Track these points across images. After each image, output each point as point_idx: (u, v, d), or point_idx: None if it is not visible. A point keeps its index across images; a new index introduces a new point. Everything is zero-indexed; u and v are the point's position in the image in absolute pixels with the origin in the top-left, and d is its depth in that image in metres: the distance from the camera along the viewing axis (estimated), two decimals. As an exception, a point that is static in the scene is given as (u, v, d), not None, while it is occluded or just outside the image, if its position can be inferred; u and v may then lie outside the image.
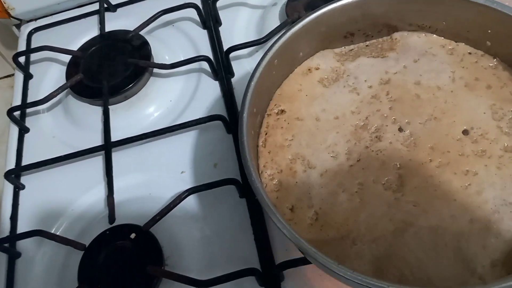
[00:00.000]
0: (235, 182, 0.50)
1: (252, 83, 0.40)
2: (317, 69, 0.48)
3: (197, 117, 0.56)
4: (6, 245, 0.52)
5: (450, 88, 0.44)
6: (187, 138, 0.57)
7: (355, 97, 0.45)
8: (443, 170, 0.40)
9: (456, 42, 0.46)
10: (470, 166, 0.39)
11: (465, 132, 0.41)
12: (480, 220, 0.37)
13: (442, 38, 0.47)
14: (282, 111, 0.45)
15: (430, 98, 0.44)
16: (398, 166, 0.41)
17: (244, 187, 0.50)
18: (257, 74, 0.41)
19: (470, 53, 0.46)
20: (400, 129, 0.42)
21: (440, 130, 0.42)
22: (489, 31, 0.43)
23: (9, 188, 0.57)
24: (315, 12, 0.44)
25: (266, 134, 0.45)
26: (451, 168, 0.39)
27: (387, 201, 0.39)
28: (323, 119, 0.44)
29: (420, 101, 0.44)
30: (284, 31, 0.44)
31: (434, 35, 0.47)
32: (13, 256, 0.52)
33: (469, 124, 0.42)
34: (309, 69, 0.48)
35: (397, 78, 0.46)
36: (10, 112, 0.61)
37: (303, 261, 0.43)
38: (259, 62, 0.41)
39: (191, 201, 0.51)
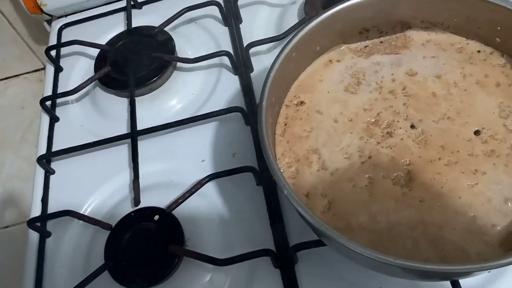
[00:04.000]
0: (252, 170, 0.52)
1: (272, 73, 0.43)
2: (338, 61, 0.50)
3: (217, 109, 0.59)
4: (37, 224, 0.55)
5: (463, 86, 0.45)
6: (208, 129, 0.60)
7: (370, 95, 0.47)
8: (451, 168, 0.41)
9: (466, 39, 0.48)
10: (479, 165, 0.41)
11: (477, 132, 0.43)
12: (482, 217, 0.38)
13: (453, 35, 0.48)
14: (302, 103, 0.48)
15: (445, 96, 0.45)
16: (408, 162, 0.42)
17: (261, 175, 0.53)
18: (276, 66, 0.43)
19: (479, 51, 0.47)
20: (412, 126, 0.44)
21: (452, 130, 0.43)
22: (499, 28, 0.45)
23: (40, 172, 0.61)
24: (332, 8, 0.46)
25: (285, 124, 0.47)
26: (459, 167, 0.41)
27: (395, 196, 0.41)
28: (340, 121, 0.46)
29: (435, 99, 0.45)
30: (302, 26, 0.46)
31: (445, 33, 0.49)
32: (44, 235, 0.55)
33: (481, 124, 0.43)
34: (330, 60, 0.50)
35: (413, 75, 0.47)
36: (42, 101, 0.65)
37: (316, 243, 0.45)
38: (278, 55, 0.44)
39: (210, 188, 0.54)
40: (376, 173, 0.42)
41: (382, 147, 0.43)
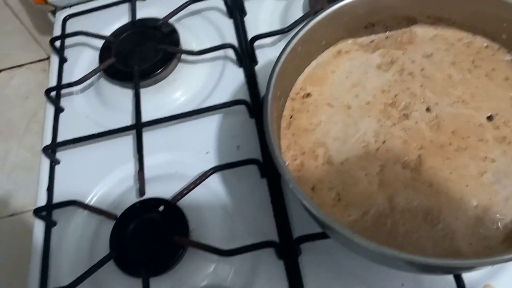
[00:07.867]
0: (256, 162, 0.53)
1: (277, 67, 0.43)
2: (347, 52, 0.50)
3: (222, 102, 0.59)
4: (43, 213, 0.56)
5: (476, 74, 0.46)
6: (212, 121, 0.60)
7: (389, 76, 0.47)
8: (461, 154, 0.41)
9: (473, 35, 0.48)
10: (489, 152, 0.41)
11: (490, 118, 0.43)
12: (487, 209, 0.39)
13: (460, 31, 0.49)
14: (308, 95, 0.48)
15: (461, 80, 0.46)
16: (419, 147, 0.43)
17: (265, 167, 0.53)
18: (282, 60, 0.43)
19: (486, 47, 0.48)
20: (428, 109, 0.45)
21: (465, 115, 0.44)
22: (505, 24, 0.45)
23: (45, 162, 0.61)
24: (337, 3, 0.46)
25: (291, 117, 0.47)
26: (469, 153, 0.41)
27: (405, 181, 0.41)
28: (355, 106, 0.46)
29: (451, 81, 0.46)
30: (308, 20, 0.46)
31: (451, 29, 0.49)
32: (50, 224, 0.56)
33: (495, 110, 0.43)
34: (338, 52, 0.50)
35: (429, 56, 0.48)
36: (47, 92, 0.65)
37: (320, 236, 0.46)
38: (284, 48, 0.44)
39: (215, 180, 0.54)
40: (387, 159, 0.43)
41: (397, 129, 0.44)
